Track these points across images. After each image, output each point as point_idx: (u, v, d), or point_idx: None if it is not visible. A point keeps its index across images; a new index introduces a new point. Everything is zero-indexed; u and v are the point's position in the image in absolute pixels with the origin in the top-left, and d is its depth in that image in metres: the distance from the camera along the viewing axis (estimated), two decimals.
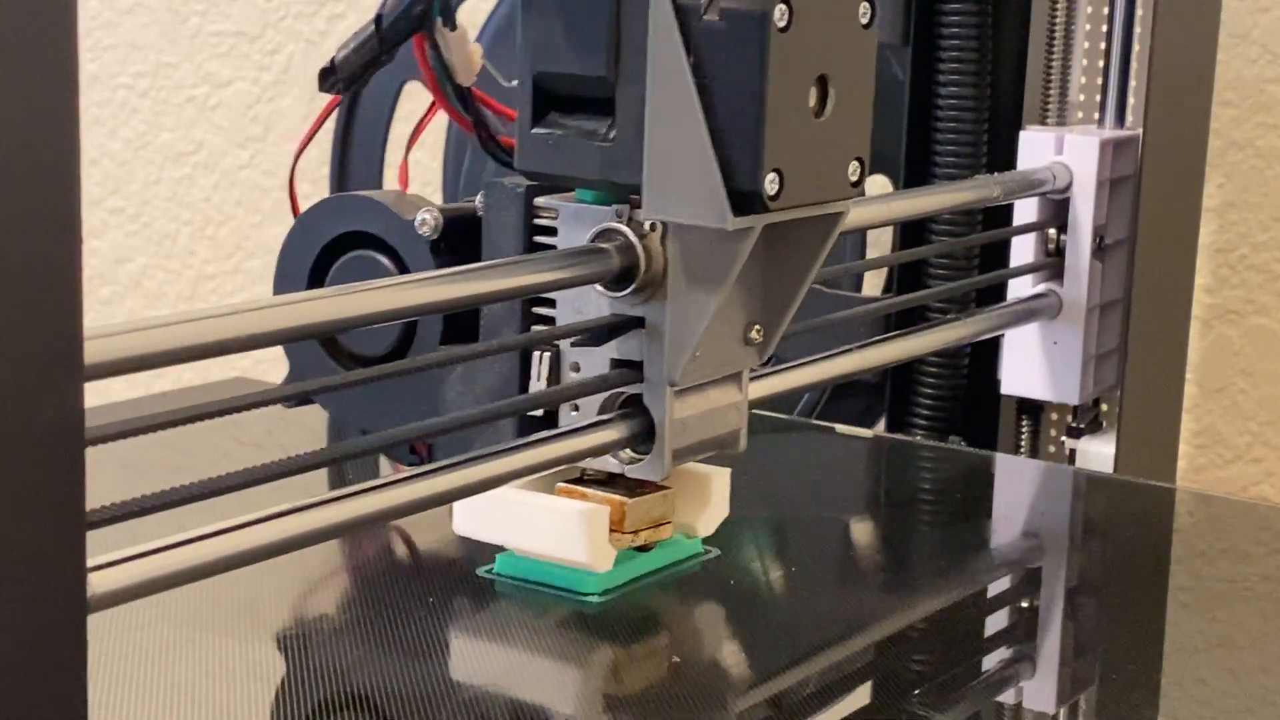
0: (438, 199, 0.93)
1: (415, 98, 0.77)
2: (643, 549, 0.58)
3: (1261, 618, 0.60)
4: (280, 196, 1.30)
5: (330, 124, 0.98)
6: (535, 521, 0.56)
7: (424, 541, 0.64)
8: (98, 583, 0.37)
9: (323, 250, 0.62)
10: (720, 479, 0.59)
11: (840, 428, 0.83)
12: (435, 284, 0.48)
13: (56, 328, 0.32)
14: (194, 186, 1.37)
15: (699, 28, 0.50)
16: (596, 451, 0.54)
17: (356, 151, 0.93)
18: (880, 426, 0.88)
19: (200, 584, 0.41)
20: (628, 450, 0.55)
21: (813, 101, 0.52)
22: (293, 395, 0.46)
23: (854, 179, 0.54)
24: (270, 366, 1.32)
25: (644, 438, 0.55)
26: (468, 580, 0.58)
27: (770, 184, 0.50)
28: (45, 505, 0.32)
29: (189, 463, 0.70)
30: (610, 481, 0.57)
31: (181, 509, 0.40)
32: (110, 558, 0.38)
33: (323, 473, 0.66)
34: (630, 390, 0.55)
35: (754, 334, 0.55)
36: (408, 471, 0.48)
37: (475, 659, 0.54)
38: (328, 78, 0.59)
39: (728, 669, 0.54)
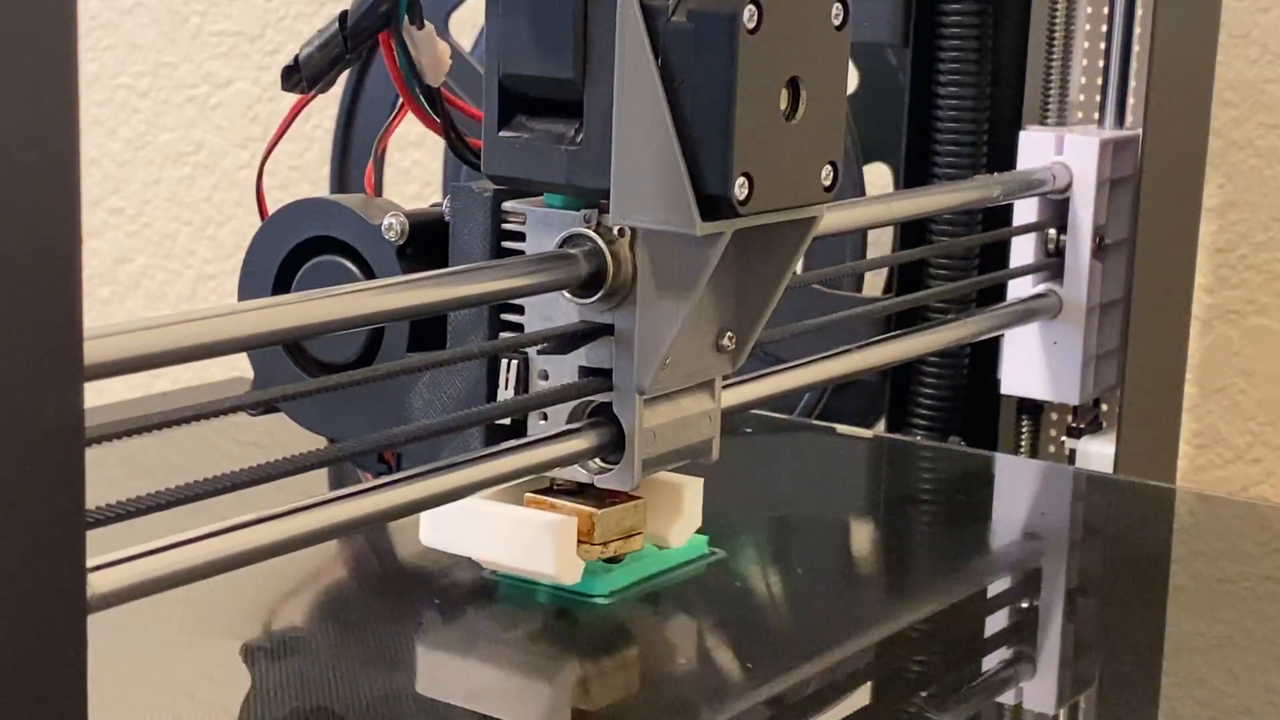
0: (439, 199, 0.93)
1: None
2: (613, 560, 0.56)
3: (1261, 618, 0.60)
4: (280, 196, 1.29)
5: (331, 124, 0.98)
6: (502, 533, 0.55)
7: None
8: (98, 583, 0.37)
9: (289, 254, 0.60)
10: (693, 489, 0.58)
11: (840, 428, 0.83)
12: (400, 290, 0.47)
13: (56, 328, 0.32)
14: (194, 186, 1.37)
15: (666, 29, 0.49)
16: (564, 461, 0.52)
17: (356, 152, 0.93)
18: (880, 426, 0.88)
19: (200, 584, 0.41)
20: (597, 460, 0.54)
21: (784, 104, 0.50)
22: (258, 402, 0.45)
23: (827, 183, 0.52)
24: None
25: (613, 447, 0.53)
26: (473, 582, 0.58)
27: (740, 188, 0.49)
28: (45, 505, 0.32)
29: (189, 463, 0.70)
30: (581, 491, 0.55)
31: (181, 509, 0.40)
32: (110, 558, 0.38)
33: (322, 473, 0.66)
34: (599, 399, 0.53)
35: (726, 341, 0.54)
36: (374, 481, 0.46)
37: (469, 661, 0.54)
38: (291, 76, 0.58)
39: (728, 669, 0.54)
